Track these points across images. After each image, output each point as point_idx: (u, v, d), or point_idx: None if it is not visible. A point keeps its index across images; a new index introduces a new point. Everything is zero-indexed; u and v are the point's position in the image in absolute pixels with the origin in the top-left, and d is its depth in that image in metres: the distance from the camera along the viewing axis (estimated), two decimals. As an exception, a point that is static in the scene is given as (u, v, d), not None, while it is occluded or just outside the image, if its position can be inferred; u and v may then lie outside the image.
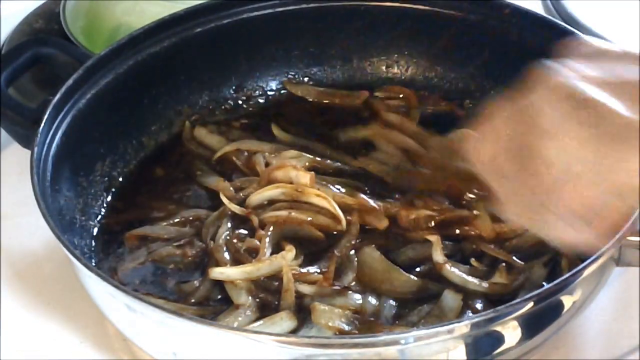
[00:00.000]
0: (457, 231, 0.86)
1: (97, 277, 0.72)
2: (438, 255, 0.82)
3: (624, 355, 0.81)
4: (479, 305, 0.79)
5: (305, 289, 0.80)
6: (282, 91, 1.06)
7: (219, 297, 0.82)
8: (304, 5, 1.03)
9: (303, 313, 0.79)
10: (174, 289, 0.84)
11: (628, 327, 0.83)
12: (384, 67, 1.07)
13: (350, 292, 0.80)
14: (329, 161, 0.95)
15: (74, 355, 0.84)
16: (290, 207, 0.87)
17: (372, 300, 0.80)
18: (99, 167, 0.93)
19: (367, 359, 0.68)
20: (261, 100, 1.06)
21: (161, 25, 0.98)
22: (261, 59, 1.05)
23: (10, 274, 0.91)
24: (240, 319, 0.79)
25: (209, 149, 0.99)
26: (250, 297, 0.80)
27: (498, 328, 0.69)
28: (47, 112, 0.86)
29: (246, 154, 0.96)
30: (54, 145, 0.86)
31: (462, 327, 0.68)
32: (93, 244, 0.88)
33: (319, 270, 0.83)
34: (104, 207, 0.92)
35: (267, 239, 0.84)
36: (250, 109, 1.05)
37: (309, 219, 0.87)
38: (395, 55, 1.07)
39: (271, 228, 0.85)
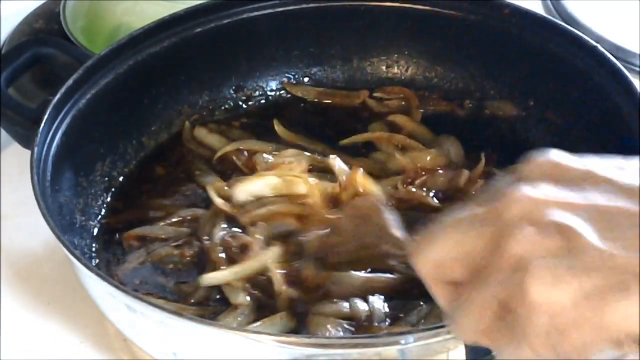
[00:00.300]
0: None
1: (97, 277, 0.72)
2: None
3: (624, 355, 0.81)
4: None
5: (294, 293, 0.81)
6: (282, 91, 1.07)
7: (219, 297, 0.82)
8: (304, 5, 1.03)
9: (302, 313, 0.79)
10: (173, 289, 0.84)
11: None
12: (384, 67, 1.07)
13: (336, 299, 0.80)
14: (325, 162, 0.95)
15: (74, 355, 0.84)
16: (278, 202, 0.87)
17: (361, 304, 0.80)
18: (99, 167, 0.93)
19: (367, 359, 0.68)
20: (261, 100, 1.06)
21: (161, 25, 0.98)
22: (261, 59, 1.05)
23: (10, 274, 0.91)
24: (239, 319, 0.79)
25: (209, 149, 0.99)
26: (248, 297, 0.80)
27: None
28: (47, 112, 0.86)
29: (246, 153, 0.96)
30: (54, 145, 0.86)
31: (461, 326, 0.67)
32: (93, 244, 0.88)
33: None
34: (104, 207, 0.93)
35: (258, 236, 0.84)
36: (250, 109, 1.05)
37: (296, 211, 0.87)
38: (395, 55, 1.07)
39: (260, 225, 0.85)
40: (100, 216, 0.91)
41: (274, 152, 0.95)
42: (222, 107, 1.05)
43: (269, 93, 1.06)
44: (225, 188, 0.91)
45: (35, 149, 0.83)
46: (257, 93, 1.06)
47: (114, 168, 0.95)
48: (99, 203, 0.92)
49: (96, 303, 0.79)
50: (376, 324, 0.78)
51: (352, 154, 0.97)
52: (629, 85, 0.88)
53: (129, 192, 0.95)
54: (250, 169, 0.95)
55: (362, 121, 1.02)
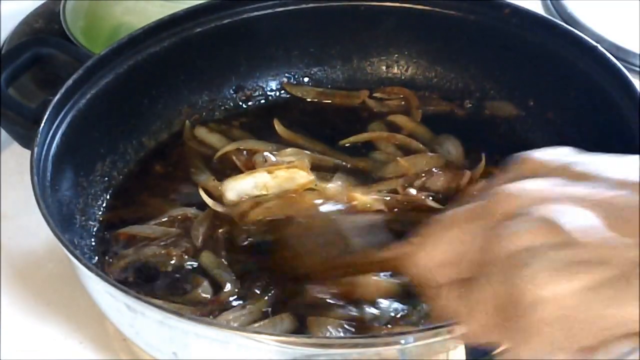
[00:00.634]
0: None
1: (97, 277, 0.72)
2: None
3: (624, 355, 0.81)
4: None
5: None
6: (282, 91, 1.07)
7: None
8: (304, 5, 1.03)
9: (303, 314, 0.79)
10: (165, 288, 0.84)
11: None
12: (384, 67, 1.07)
13: (344, 304, 0.80)
14: (328, 159, 0.95)
15: (74, 355, 0.84)
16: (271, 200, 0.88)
17: (368, 308, 0.80)
18: (99, 167, 0.93)
19: (367, 359, 0.68)
20: (261, 100, 1.06)
21: (161, 25, 0.98)
22: (261, 59, 1.05)
23: (10, 274, 0.91)
24: (242, 318, 0.79)
25: (209, 148, 0.99)
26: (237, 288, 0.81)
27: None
28: (47, 112, 0.86)
29: (245, 153, 0.96)
30: (54, 145, 0.86)
31: (462, 327, 0.67)
32: (93, 243, 0.88)
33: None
34: (104, 207, 0.93)
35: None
36: (250, 109, 1.05)
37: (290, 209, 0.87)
38: (395, 55, 1.07)
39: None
40: (100, 216, 0.91)
41: (274, 152, 0.95)
42: (222, 107, 1.05)
43: (268, 93, 1.06)
44: (219, 187, 0.91)
45: (35, 149, 0.83)
46: (257, 93, 1.06)
47: (114, 168, 0.95)
48: (99, 203, 0.92)
49: (96, 303, 0.79)
50: (377, 324, 0.78)
51: (352, 154, 0.97)
52: (629, 85, 0.88)
53: (129, 192, 0.95)
54: (249, 169, 0.95)
55: (362, 121, 1.02)
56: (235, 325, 0.78)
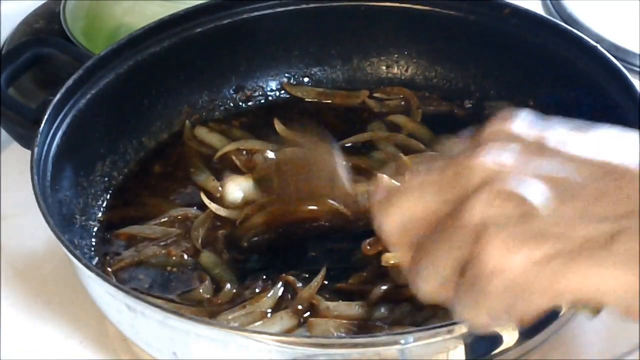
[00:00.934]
0: None
1: (97, 277, 0.72)
2: None
3: (623, 355, 0.81)
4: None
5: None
6: (282, 91, 1.07)
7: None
8: (304, 5, 1.03)
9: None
10: (165, 288, 0.84)
11: (628, 327, 0.83)
12: (384, 67, 1.07)
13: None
14: None
15: (74, 355, 0.84)
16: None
17: (382, 309, 0.80)
18: (99, 167, 0.94)
19: (367, 359, 0.68)
20: (261, 101, 1.06)
21: (161, 25, 0.98)
22: (261, 59, 1.05)
23: (10, 274, 0.91)
24: (242, 318, 0.79)
25: (209, 148, 0.99)
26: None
27: (497, 328, 0.69)
28: (47, 112, 0.86)
29: (245, 153, 0.97)
30: (54, 145, 0.86)
31: (462, 327, 0.68)
32: (93, 243, 0.89)
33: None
34: (104, 207, 0.93)
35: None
36: (250, 109, 1.05)
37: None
38: (395, 55, 1.07)
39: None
40: (100, 216, 0.92)
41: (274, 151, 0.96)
42: (222, 107, 1.05)
43: (268, 93, 1.06)
44: (219, 189, 0.91)
45: (35, 149, 0.83)
46: (257, 93, 1.06)
47: (114, 168, 0.95)
48: (99, 203, 0.92)
49: (96, 303, 0.79)
50: (378, 324, 0.78)
51: (352, 154, 0.97)
52: (629, 85, 0.88)
53: (129, 192, 0.95)
54: (249, 169, 0.95)
55: (362, 121, 1.02)
56: (235, 325, 0.78)
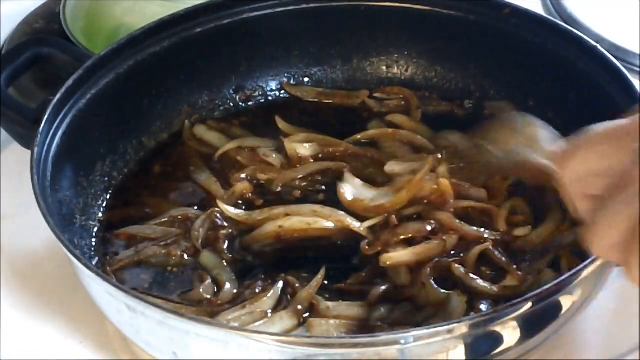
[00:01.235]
0: None
1: (97, 277, 0.72)
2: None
3: (624, 355, 0.81)
4: (483, 307, 0.79)
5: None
6: (282, 91, 1.07)
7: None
8: (304, 5, 1.03)
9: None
10: (165, 288, 0.84)
11: (628, 327, 0.83)
12: (384, 67, 1.07)
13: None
14: (338, 142, 0.97)
15: (74, 355, 0.84)
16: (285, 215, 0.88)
17: (382, 310, 0.80)
18: (99, 167, 0.94)
19: (367, 359, 0.68)
20: (261, 101, 1.06)
21: (161, 25, 0.98)
22: (261, 59, 1.06)
23: (10, 274, 0.91)
24: (242, 318, 0.79)
25: (209, 148, 0.99)
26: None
27: (497, 328, 0.69)
28: (47, 112, 0.86)
29: (247, 150, 0.97)
30: (54, 145, 0.86)
31: (462, 327, 0.68)
32: (93, 243, 0.89)
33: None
34: (104, 207, 0.93)
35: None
36: (250, 109, 1.05)
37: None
38: (395, 55, 1.07)
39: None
40: (100, 216, 0.92)
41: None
42: (222, 107, 1.05)
43: (268, 93, 1.06)
44: (222, 190, 0.92)
45: (35, 149, 0.83)
46: (257, 93, 1.06)
47: (114, 168, 0.95)
48: (99, 203, 0.92)
49: (96, 303, 0.79)
50: (378, 324, 0.78)
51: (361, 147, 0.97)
52: (629, 85, 0.88)
53: (129, 192, 0.95)
54: (254, 164, 0.95)
55: (362, 121, 1.02)
56: (235, 325, 0.78)
